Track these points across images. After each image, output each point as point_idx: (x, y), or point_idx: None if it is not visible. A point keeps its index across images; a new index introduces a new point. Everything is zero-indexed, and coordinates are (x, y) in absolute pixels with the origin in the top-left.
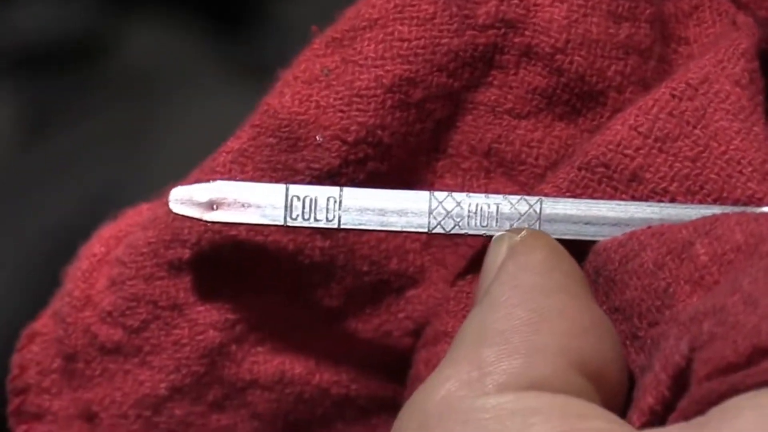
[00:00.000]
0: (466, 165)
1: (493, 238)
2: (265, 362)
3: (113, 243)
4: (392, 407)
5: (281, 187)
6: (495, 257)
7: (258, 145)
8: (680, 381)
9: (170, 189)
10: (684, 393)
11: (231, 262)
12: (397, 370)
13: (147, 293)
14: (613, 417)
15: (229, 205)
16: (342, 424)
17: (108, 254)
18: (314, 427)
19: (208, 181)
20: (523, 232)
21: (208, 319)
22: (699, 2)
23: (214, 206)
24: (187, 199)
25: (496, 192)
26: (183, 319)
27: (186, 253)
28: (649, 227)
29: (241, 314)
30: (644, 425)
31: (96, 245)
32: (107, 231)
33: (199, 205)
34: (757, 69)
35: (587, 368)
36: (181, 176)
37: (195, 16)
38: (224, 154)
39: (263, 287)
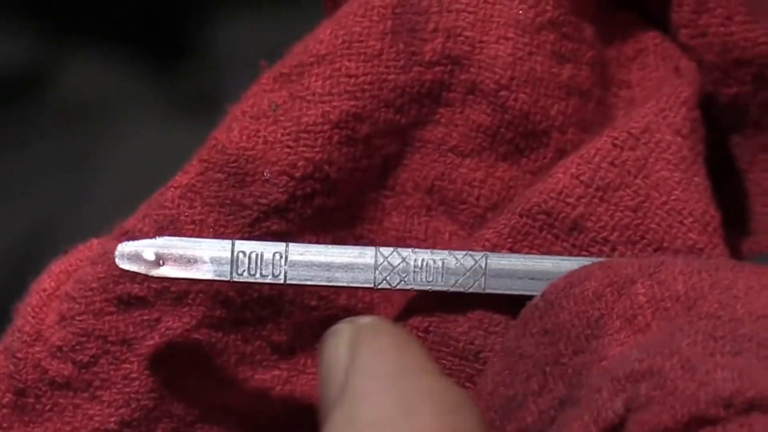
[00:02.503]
0: (410, 202)
1: (329, 330)
2: (215, 396)
3: (63, 278)
4: None
5: (227, 242)
6: (337, 349)
7: (206, 180)
8: None
9: (118, 223)
10: None
11: (179, 297)
12: None
13: (96, 328)
14: None
15: (175, 260)
16: None
17: (58, 289)
18: None
19: (154, 236)
20: (366, 319)
21: (158, 354)
22: (643, 46)
23: (161, 261)
24: (133, 254)
25: (436, 231)
26: (132, 354)
27: (135, 288)
28: (600, 261)
29: (189, 348)
30: None
31: (46, 280)
32: (57, 266)
33: (145, 261)
34: (698, 118)
35: None
36: (120, 208)
37: (134, 50)
38: (173, 189)
39: (211, 321)
